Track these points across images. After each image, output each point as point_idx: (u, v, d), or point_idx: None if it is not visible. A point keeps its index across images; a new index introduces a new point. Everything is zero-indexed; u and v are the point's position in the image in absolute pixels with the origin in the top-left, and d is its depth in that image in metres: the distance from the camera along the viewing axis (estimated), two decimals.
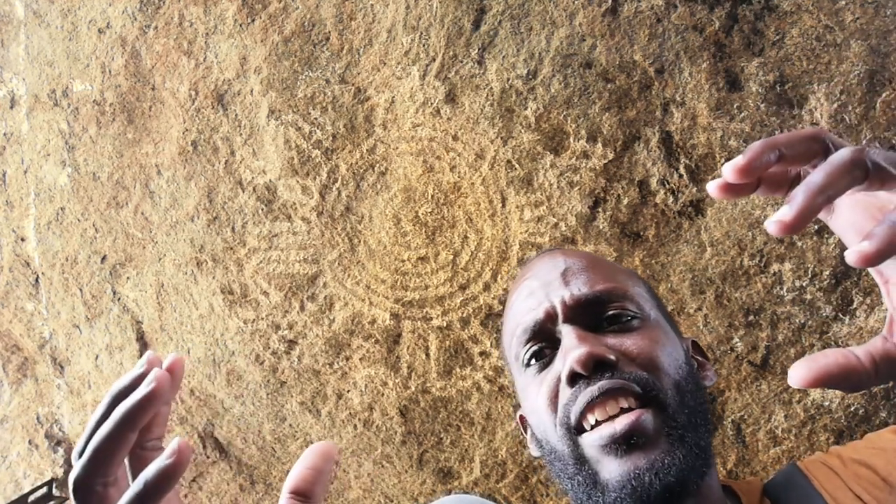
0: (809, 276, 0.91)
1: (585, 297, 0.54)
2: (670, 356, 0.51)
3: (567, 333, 0.52)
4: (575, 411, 0.48)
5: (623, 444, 0.45)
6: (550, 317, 0.54)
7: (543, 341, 0.54)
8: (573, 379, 0.49)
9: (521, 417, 0.62)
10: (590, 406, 0.47)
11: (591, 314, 0.53)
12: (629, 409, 0.47)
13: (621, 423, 0.45)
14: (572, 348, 0.49)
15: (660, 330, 0.53)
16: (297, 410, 1.14)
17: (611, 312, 0.53)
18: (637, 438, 0.45)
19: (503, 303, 1.02)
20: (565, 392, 0.50)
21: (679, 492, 0.44)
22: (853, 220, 0.35)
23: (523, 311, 0.56)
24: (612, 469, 0.46)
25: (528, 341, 0.55)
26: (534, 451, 0.58)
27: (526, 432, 0.61)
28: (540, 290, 0.56)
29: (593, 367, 0.48)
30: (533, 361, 0.54)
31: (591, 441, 0.47)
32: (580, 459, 0.48)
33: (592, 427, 0.48)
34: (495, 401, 1.04)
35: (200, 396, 1.19)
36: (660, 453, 0.45)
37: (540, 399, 0.52)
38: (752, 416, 0.95)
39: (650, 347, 0.50)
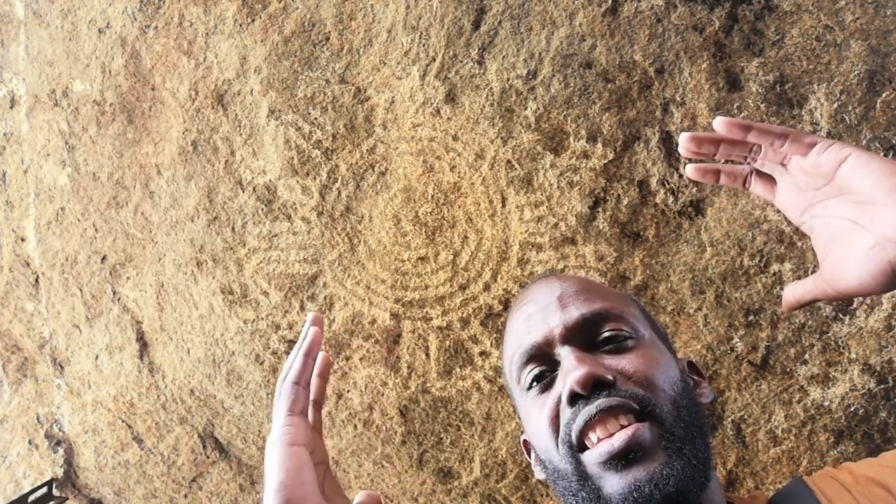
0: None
1: (582, 317, 0.55)
2: (665, 374, 0.52)
3: (566, 355, 0.53)
4: (575, 430, 0.49)
5: (622, 459, 0.47)
6: (548, 340, 0.56)
7: (543, 364, 0.56)
8: (573, 399, 0.50)
9: (525, 442, 0.63)
10: (589, 424, 0.49)
11: (587, 335, 0.55)
12: (628, 426, 0.48)
13: (619, 439, 0.47)
14: (571, 369, 0.51)
15: (654, 349, 0.55)
16: None
17: (606, 333, 0.55)
18: (635, 453, 0.46)
19: (503, 303, 1.02)
20: (566, 412, 0.51)
21: (679, 502, 0.45)
22: (789, 198, 0.50)
23: (521, 336, 0.58)
24: (613, 484, 0.47)
25: (526, 364, 0.57)
26: (538, 473, 0.59)
27: (530, 456, 0.62)
28: (537, 315, 0.58)
29: (592, 387, 0.50)
30: (534, 384, 0.56)
31: (591, 458, 0.48)
32: (583, 476, 0.49)
33: (594, 444, 0.49)
34: (495, 401, 1.04)
35: (200, 396, 1.19)
36: (658, 465, 0.46)
37: (542, 420, 0.54)
38: (752, 416, 0.95)
39: (646, 366, 0.52)
